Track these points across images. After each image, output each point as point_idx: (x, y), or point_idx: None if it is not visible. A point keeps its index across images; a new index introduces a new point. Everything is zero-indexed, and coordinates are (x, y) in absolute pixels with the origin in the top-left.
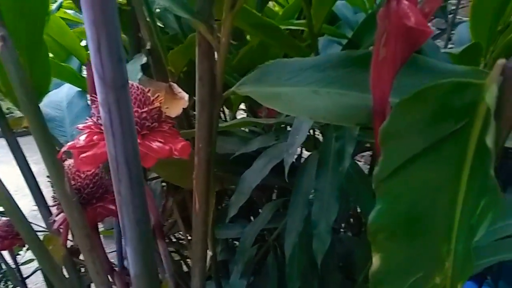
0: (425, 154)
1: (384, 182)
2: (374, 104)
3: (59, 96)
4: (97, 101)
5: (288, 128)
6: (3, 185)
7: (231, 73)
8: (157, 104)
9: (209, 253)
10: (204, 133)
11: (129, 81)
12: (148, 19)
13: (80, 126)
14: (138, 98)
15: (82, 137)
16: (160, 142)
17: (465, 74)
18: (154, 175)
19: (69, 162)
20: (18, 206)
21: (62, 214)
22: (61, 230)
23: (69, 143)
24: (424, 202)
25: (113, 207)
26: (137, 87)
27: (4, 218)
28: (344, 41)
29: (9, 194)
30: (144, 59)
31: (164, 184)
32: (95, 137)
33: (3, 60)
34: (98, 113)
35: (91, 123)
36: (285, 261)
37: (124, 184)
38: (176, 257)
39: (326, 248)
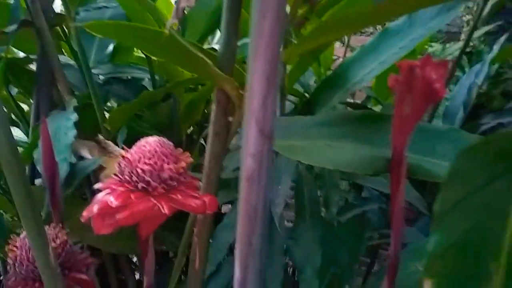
0: (483, 189)
1: (444, 215)
2: (394, 154)
3: None
4: (126, 156)
5: None
6: None
7: None
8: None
9: None
10: (212, 189)
11: (154, 137)
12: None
13: (103, 185)
14: (173, 152)
15: (112, 198)
16: (195, 197)
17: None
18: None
19: None
20: None
21: None
22: None
23: (96, 206)
24: (478, 229)
25: (84, 277)
26: (166, 141)
27: None
28: None
29: None
30: (75, 116)
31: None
32: (132, 195)
33: None
34: (132, 169)
35: (119, 180)
36: None
37: (258, 233)
38: None
39: None
